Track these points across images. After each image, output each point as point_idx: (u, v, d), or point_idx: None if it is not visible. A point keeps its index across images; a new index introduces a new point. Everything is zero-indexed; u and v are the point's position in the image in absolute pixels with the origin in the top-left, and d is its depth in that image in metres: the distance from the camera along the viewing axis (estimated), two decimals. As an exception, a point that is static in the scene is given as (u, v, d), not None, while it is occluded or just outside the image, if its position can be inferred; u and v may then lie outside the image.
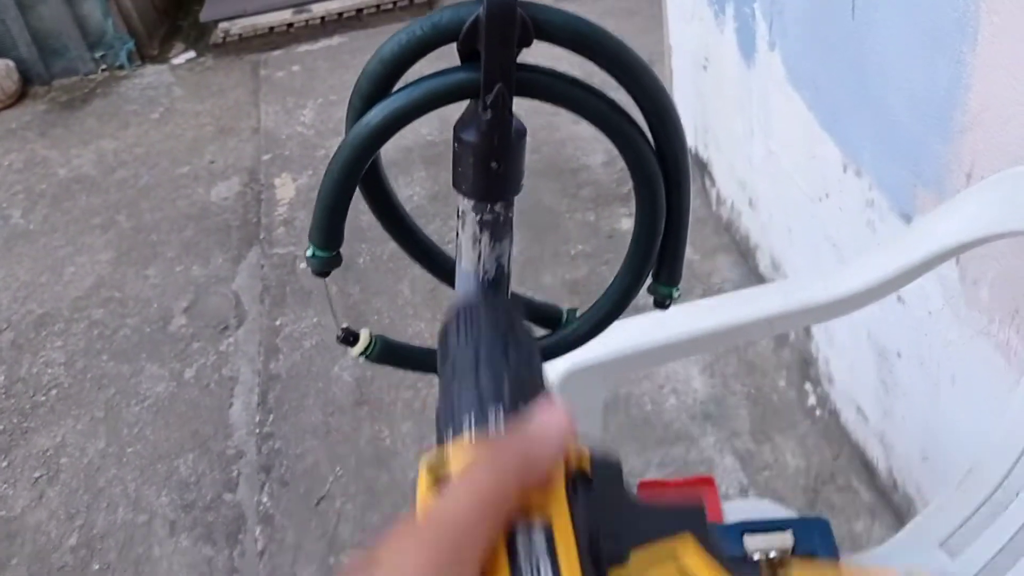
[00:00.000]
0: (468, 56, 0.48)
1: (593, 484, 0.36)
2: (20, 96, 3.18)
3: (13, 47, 3.14)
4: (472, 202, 0.53)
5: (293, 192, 2.57)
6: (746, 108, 1.76)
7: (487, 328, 0.45)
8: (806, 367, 1.72)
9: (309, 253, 0.58)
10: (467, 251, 0.55)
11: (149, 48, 3.31)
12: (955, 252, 0.84)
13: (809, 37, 1.41)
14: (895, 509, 1.43)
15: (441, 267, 0.64)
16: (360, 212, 2.19)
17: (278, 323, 2.15)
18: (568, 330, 0.67)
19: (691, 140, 2.22)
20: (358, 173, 0.54)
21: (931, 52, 1.04)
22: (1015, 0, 0.88)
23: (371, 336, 0.63)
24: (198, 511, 1.80)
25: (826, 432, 1.62)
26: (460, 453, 0.37)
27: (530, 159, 0.53)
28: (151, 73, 3.29)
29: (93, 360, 2.17)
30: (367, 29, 3.33)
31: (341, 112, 2.94)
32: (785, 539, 0.92)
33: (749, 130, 1.76)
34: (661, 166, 0.56)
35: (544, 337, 0.68)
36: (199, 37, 3.46)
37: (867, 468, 1.51)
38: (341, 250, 0.60)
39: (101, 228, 2.56)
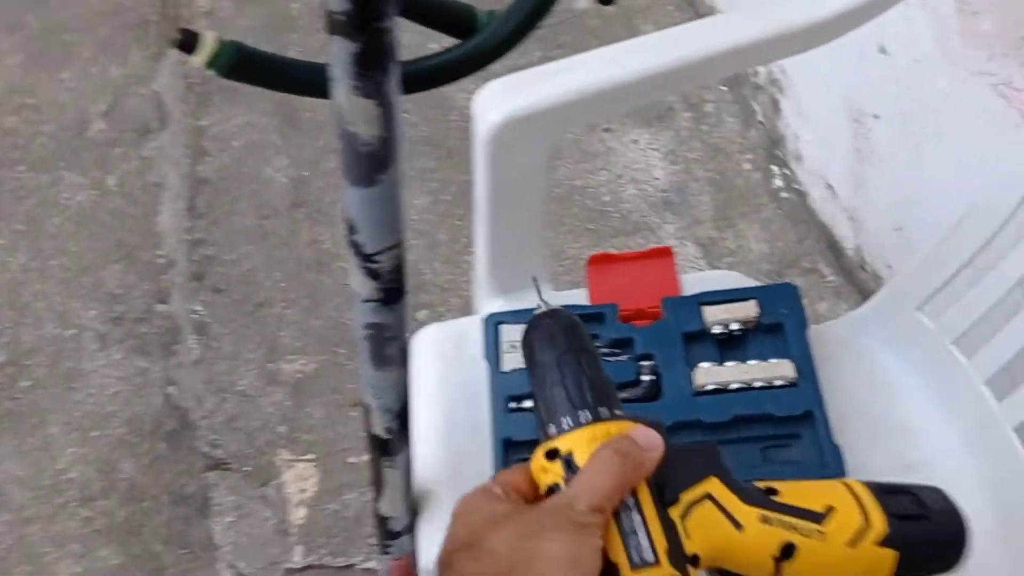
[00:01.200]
0: None
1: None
2: None
3: None
4: None
5: (214, -20, 2.33)
6: None
7: (567, 339, 0.53)
8: (773, 147, 1.61)
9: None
10: None
11: None
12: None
13: None
14: (861, 288, 1.36)
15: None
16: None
17: (204, 123, 1.98)
18: (487, 33, 0.53)
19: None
20: None
21: None
22: None
23: (218, 41, 0.49)
24: (129, 323, 1.69)
25: (792, 215, 1.52)
26: (573, 442, 0.49)
27: None
28: None
29: (8, 171, 2.00)
30: None
31: None
32: (748, 308, 0.83)
33: None
34: None
35: (458, 47, 0.54)
36: None
37: (833, 249, 1.43)
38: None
39: (8, 30, 2.32)
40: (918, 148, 1.08)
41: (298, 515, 1.38)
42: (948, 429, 0.76)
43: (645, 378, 0.80)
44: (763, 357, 0.80)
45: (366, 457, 1.41)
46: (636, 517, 0.47)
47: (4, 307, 1.77)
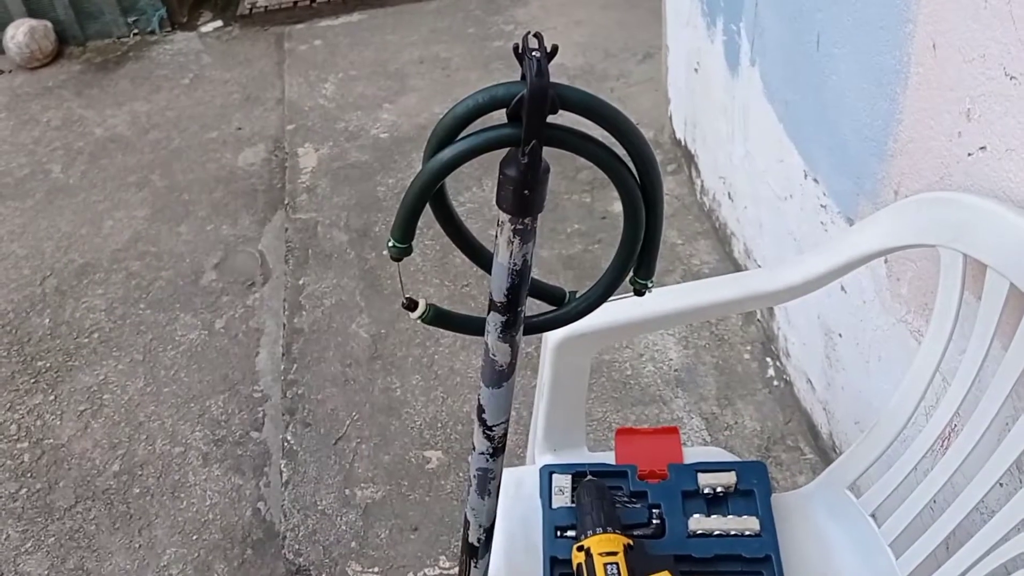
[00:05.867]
0: (514, 117, 0.71)
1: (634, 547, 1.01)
2: (56, 55, 3.37)
3: (51, 8, 3.32)
4: (509, 216, 0.76)
5: (315, 162, 2.78)
6: (729, 112, 1.98)
7: (597, 492, 1.10)
8: (768, 343, 1.97)
9: (390, 244, 0.81)
10: (503, 250, 0.79)
11: (179, 15, 3.50)
12: (863, 261, 1.07)
13: (782, 59, 1.63)
14: (833, 466, 1.68)
15: (482, 259, 0.87)
16: (377, 183, 2.49)
17: (301, 282, 2.38)
18: (569, 308, 0.90)
19: (681, 133, 2.45)
20: (431, 191, 0.77)
21: (874, 87, 1.27)
22: (935, 57, 1.11)
23: (426, 304, 0.87)
24: (228, 445, 2.03)
25: (781, 399, 1.87)
26: (593, 541, 1.01)
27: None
28: (180, 40, 3.48)
29: (131, 308, 2.40)
30: (385, 7, 3.52)
31: (360, 88, 3.15)
32: (730, 477, 1.17)
33: (731, 132, 1.99)
34: (642, 195, 0.79)
35: (550, 311, 0.92)
36: (226, 7, 3.65)
37: (812, 431, 1.76)
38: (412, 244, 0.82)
39: (136, 186, 2.78)
40: (867, 363, 1.44)
41: (365, 617, 1.68)
42: None
43: (655, 522, 1.13)
44: (738, 513, 1.13)
45: (422, 574, 1.72)
46: None
47: (121, 424, 2.12)
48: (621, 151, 0.77)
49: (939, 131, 1.11)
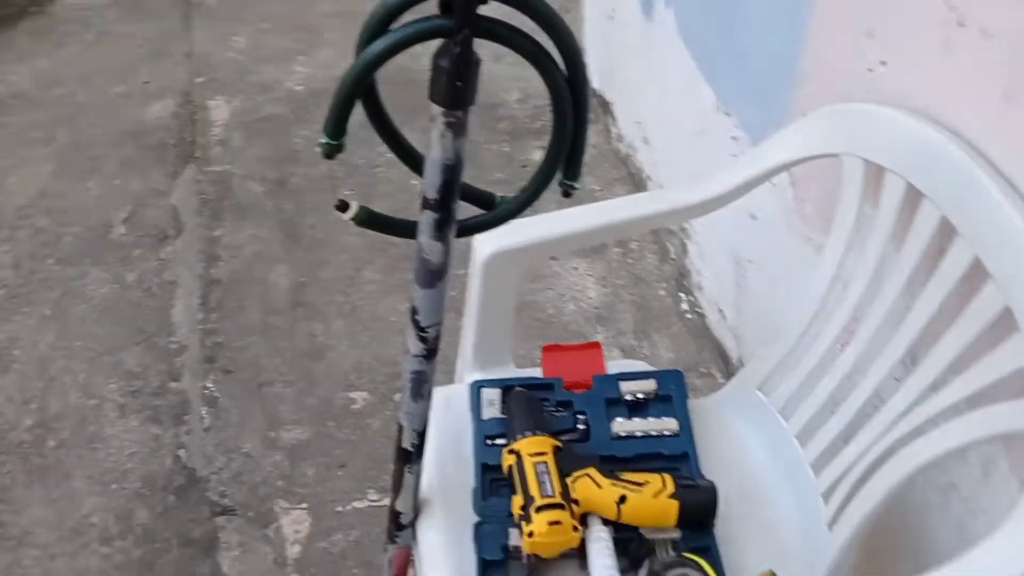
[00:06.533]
0: (446, 8, 0.74)
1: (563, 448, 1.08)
2: (-53, 10, 3.21)
3: (-61, -41, 3.15)
4: (442, 109, 0.78)
5: (227, 114, 2.73)
6: (645, 56, 2.04)
7: (526, 401, 1.16)
8: (682, 279, 2.05)
9: (322, 141, 0.82)
10: (436, 145, 0.81)
11: (78, -32, 3.37)
12: (776, 172, 1.14)
13: (695, -1, 1.70)
14: (745, 391, 1.77)
15: (414, 161, 0.89)
16: (293, 135, 2.48)
17: (217, 234, 2.35)
18: (500, 210, 0.94)
19: (597, 83, 2.50)
20: (363, 84, 0.79)
21: (783, 15, 1.34)
22: (838, -17, 1.18)
23: (359, 206, 0.89)
24: (145, 396, 2.00)
25: (694, 331, 1.95)
26: (523, 443, 1.07)
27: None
28: (81, -7, 3.36)
29: (39, 264, 2.32)
30: (295, -39, 3.46)
31: (274, 41, 3.09)
32: (650, 384, 1.23)
33: (647, 75, 2.05)
34: (570, 91, 0.83)
35: (480, 215, 0.95)
36: (127, -41, 3.52)
37: (723, 358, 1.85)
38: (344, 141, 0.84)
39: (42, 142, 2.68)
40: (773, 286, 1.52)
41: (293, 551, 1.68)
42: (774, 468, 1.16)
43: (580, 427, 1.18)
44: (658, 416, 1.19)
45: (351, 506, 1.74)
46: (547, 477, 1.01)
47: (34, 378, 2.07)
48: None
49: (843, 51, 1.17)
